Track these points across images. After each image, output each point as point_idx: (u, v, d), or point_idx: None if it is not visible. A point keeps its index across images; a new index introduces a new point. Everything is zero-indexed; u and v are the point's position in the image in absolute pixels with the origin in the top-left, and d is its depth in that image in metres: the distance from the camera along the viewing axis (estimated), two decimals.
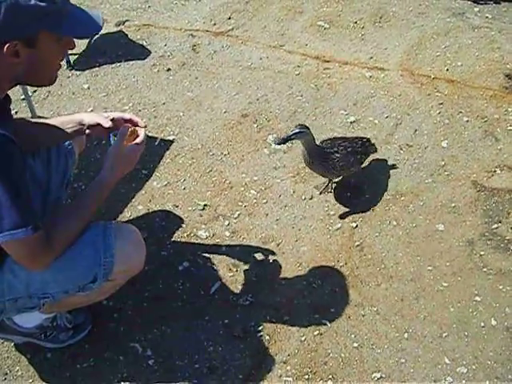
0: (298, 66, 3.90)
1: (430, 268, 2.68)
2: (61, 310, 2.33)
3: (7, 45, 1.65)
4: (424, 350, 2.38)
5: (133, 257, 2.10)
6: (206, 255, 2.77)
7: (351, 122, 3.44)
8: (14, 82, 1.84)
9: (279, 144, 2.64)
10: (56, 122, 2.21)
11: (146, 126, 2.17)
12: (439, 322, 2.47)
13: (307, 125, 2.71)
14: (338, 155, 2.79)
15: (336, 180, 3.03)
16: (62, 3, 1.74)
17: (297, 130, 2.64)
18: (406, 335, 2.43)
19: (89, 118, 2.19)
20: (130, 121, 2.17)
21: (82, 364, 2.37)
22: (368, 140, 3.02)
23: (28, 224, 1.72)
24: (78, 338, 2.41)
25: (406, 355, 2.37)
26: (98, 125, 2.15)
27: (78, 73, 3.95)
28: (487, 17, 4.31)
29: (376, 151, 3.06)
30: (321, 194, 2.99)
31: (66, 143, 2.36)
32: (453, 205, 2.95)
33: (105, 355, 2.39)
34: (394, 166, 3.16)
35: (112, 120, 2.15)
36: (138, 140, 2.09)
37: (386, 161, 3.18)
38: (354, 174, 2.99)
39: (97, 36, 4.23)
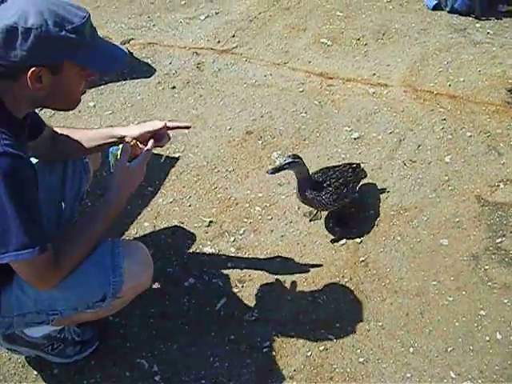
0: (302, 83, 3.93)
1: (434, 283, 2.68)
2: (70, 324, 2.34)
3: (32, 69, 1.68)
4: (430, 365, 2.38)
5: (141, 275, 2.12)
6: (212, 271, 2.77)
7: (355, 139, 3.46)
8: (34, 105, 1.88)
9: (272, 173, 2.63)
10: (84, 137, 2.26)
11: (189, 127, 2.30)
12: (444, 336, 2.48)
13: (300, 154, 2.72)
14: (330, 189, 2.77)
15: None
16: (91, 37, 1.79)
17: (289, 160, 2.63)
18: (411, 350, 2.43)
19: (133, 132, 2.24)
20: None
21: (89, 380, 2.37)
22: (358, 165, 3.00)
23: (35, 245, 1.74)
24: (85, 353, 2.42)
25: (411, 370, 2.37)
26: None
27: None
28: (489, 32, 4.34)
29: (366, 176, 3.06)
30: (311, 221, 2.97)
31: (84, 161, 2.40)
32: (457, 219, 2.96)
33: (111, 371, 2.39)
34: (384, 189, 3.16)
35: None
36: (147, 147, 2.12)
37: (389, 176, 3.19)
38: (351, 201, 2.97)
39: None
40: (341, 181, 2.81)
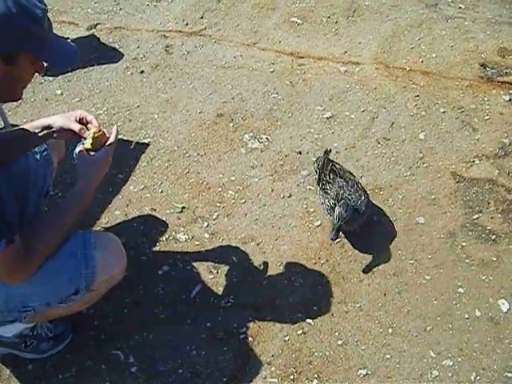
0: (273, 63, 3.88)
1: (411, 262, 2.66)
2: (42, 320, 2.29)
3: None
4: (409, 345, 2.36)
5: (114, 266, 2.08)
6: (186, 258, 2.73)
7: (327, 118, 3.42)
8: None
9: (335, 239, 2.56)
10: (27, 127, 2.16)
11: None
12: (423, 315, 2.46)
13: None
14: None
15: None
16: (48, 30, 1.75)
17: (341, 214, 2.53)
18: (390, 330, 2.41)
19: (58, 122, 2.13)
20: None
21: (64, 374, 2.32)
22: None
23: (1, 237, 1.68)
24: (58, 348, 2.37)
25: (390, 350, 2.35)
26: (66, 129, 2.11)
27: (50, 79, 3.90)
28: (460, 7, 4.31)
29: None
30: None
31: (44, 152, 2.32)
32: (432, 197, 2.94)
33: (87, 364, 2.35)
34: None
35: (81, 120, 2.11)
36: (110, 140, 2.04)
37: (363, 155, 3.16)
38: None
39: (68, 41, 4.17)
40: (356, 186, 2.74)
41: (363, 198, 2.66)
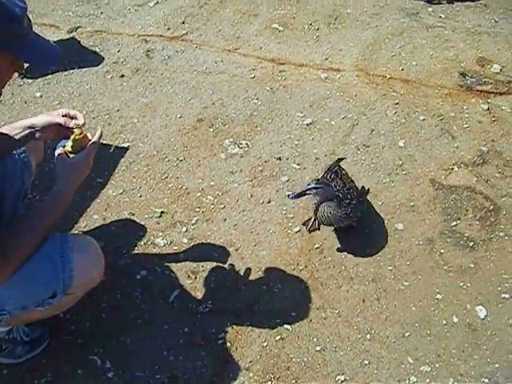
0: (253, 69, 3.88)
1: (390, 268, 2.67)
2: (18, 324, 2.27)
3: None
4: (387, 351, 2.36)
5: (92, 270, 2.07)
6: (164, 263, 2.71)
7: (308, 124, 3.42)
8: None
9: (294, 198, 2.55)
10: (5, 130, 2.14)
11: (84, 124, 2.10)
12: (401, 321, 2.46)
13: (323, 181, 2.61)
14: (354, 203, 2.67)
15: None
16: (28, 29, 1.74)
17: (312, 186, 2.54)
18: (368, 336, 2.41)
19: (40, 120, 2.11)
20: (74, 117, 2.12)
21: (40, 379, 2.30)
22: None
23: None
24: (34, 352, 2.35)
25: (369, 356, 2.35)
26: (50, 126, 2.09)
27: (30, 81, 3.88)
28: (441, 16, 4.34)
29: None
30: (310, 232, 2.83)
31: (22, 155, 2.29)
32: (411, 204, 2.95)
33: (63, 369, 2.33)
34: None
35: (64, 116, 2.10)
36: (93, 139, 2.04)
37: (343, 162, 3.15)
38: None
39: None
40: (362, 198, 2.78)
41: (353, 202, 2.65)
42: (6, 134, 2.13)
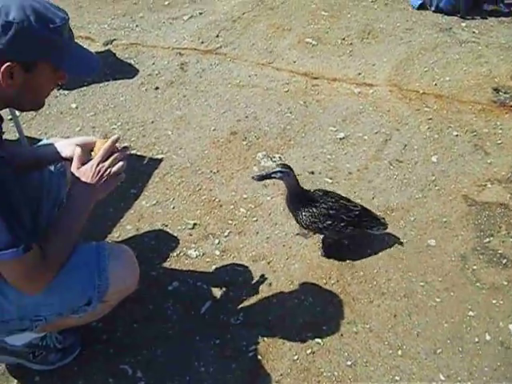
0: (287, 83, 3.90)
1: (422, 284, 2.65)
2: (52, 330, 2.28)
3: (7, 64, 1.64)
4: (418, 367, 2.34)
5: (127, 278, 2.07)
6: (196, 275, 2.72)
7: (340, 139, 3.43)
8: (3, 105, 1.81)
9: (258, 180, 2.55)
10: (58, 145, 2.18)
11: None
12: (433, 338, 2.44)
13: (289, 164, 2.58)
14: (314, 210, 2.60)
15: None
16: (69, 39, 1.77)
17: (277, 169, 2.53)
18: (399, 352, 2.39)
19: (66, 152, 2.14)
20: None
21: None
22: (368, 213, 2.76)
23: (19, 244, 1.68)
24: (67, 360, 2.35)
25: (400, 372, 2.33)
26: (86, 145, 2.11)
27: (66, 92, 3.95)
28: (474, 32, 4.33)
29: (380, 229, 2.75)
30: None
31: (58, 164, 2.33)
32: (444, 219, 2.93)
33: (94, 377, 2.33)
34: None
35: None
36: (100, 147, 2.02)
37: (375, 177, 3.17)
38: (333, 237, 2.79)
39: None
40: (333, 212, 2.62)
41: (341, 214, 2.63)
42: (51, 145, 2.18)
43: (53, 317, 2.00)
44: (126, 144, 2.07)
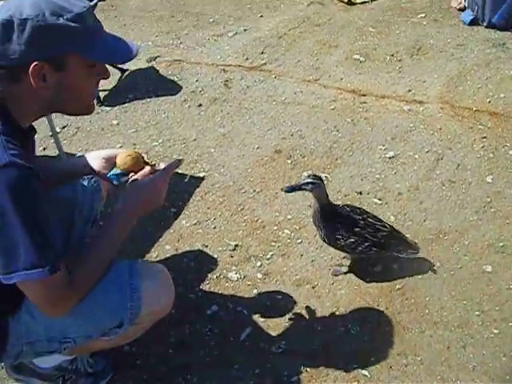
0: (334, 101, 3.80)
1: (477, 313, 2.48)
2: (82, 353, 2.20)
3: (33, 64, 1.56)
4: None
5: (161, 299, 1.97)
6: (237, 299, 2.62)
7: (390, 158, 3.30)
8: (44, 111, 1.75)
9: (287, 192, 2.44)
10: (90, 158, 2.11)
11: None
12: (490, 372, 2.26)
13: (322, 176, 2.47)
14: (348, 222, 2.50)
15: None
16: (95, 27, 1.68)
17: (309, 180, 2.40)
18: None
19: (94, 165, 2.08)
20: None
21: None
22: (398, 235, 2.63)
23: (45, 264, 1.58)
24: None
25: None
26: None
27: (107, 109, 3.95)
28: None
29: (410, 253, 2.61)
30: (336, 276, 2.69)
31: (92, 179, 2.27)
32: (501, 244, 2.76)
33: None
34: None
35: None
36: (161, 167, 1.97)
37: (427, 198, 3.03)
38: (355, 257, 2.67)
39: (127, 72, 4.22)
40: (357, 230, 2.50)
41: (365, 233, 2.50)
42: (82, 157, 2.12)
43: (82, 339, 1.91)
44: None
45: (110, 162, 2.04)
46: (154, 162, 2.01)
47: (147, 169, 1.98)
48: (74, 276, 1.71)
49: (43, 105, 1.70)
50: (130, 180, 1.95)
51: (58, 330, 1.86)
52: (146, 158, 2.01)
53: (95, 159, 2.07)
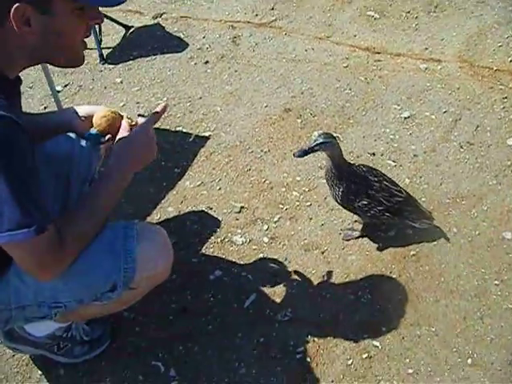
0: (347, 58, 3.65)
1: (496, 282, 2.36)
2: (75, 320, 2.12)
3: (15, 6, 1.41)
4: (491, 380, 2.05)
5: (158, 262, 1.86)
6: (242, 264, 2.53)
7: (405, 118, 3.16)
8: (31, 59, 1.61)
9: (300, 157, 2.29)
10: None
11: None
12: (508, 346, 2.15)
13: (334, 133, 2.32)
14: (364, 183, 2.37)
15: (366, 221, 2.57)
16: None
17: (320, 140, 2.25)
18: (469, 361, 2.11)
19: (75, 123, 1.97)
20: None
21: (98, 383, 2.14)
22: (413, 203, 2.50)
23: (31, 224, 1.48)
24: (94, 353, 2.20)
25: None
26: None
27: (111, 67, 3.84)
28: None
29: (424, 223, 2.49)
30: (348, 241, 2.59)
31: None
32: None
33: (123, 374, 2.16)
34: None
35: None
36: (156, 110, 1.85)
37: (444, 160, 2.90)
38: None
39: (132, 29, 4.11)
40: (372, 192, 2.38)
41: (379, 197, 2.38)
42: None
43: (73, 304, 1.82)
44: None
45: (89, 119, 1.92)
46: (134, 123, 1.88)
47: (125, 124, 1.85)
48: (63, 237, 1.60)
49: (29, 53, 1.56)
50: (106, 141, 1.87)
51: (48, 294, 1.78)
52: (126, 117, 1.88)
53: (74, 116, 1.97)
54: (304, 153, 2.28)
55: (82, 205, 1.73)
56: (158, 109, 1.84)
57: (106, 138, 1.87)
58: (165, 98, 3.45)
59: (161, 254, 1.87)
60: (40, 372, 2.19)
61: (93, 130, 1.88)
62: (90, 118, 1.92)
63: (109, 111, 1.88)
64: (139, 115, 1.90)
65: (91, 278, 1.76)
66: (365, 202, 2.37)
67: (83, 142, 2.12)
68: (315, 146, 2.25)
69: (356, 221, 2.61)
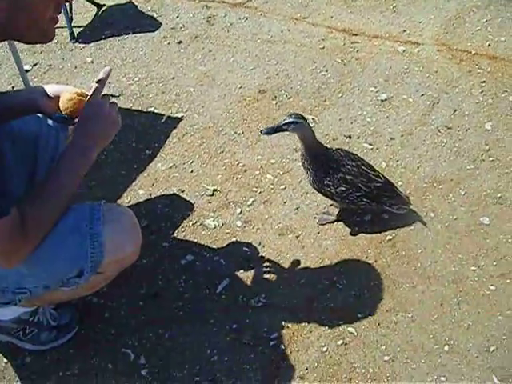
0: (323, 40, 3.60)
1: (473, 268, 2.33)
2: (42, 305, 2.06)
3: None
4: (468, 367, 2.02)
5: (126, 245, 1.81)
6: (214, 248, 2.48)
7: (382, 100, 3.12)
8: None
9: (267, 134, 2.25)
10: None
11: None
12: (486, 332, 2.12)
13: (308, 118, 2.28)
14: (342, 169, 2.33)
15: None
16: None
17: (290, 120, 2.22)
18: (446, 348, 2.08)
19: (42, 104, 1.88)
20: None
21: (66, 371, 2.09)
22: (391, 188, 2.45)
23: None
24: (61, 340, 2.15)
25: (446, 372, 2.01)
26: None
27: (81, 46, 3.77)
28: None
29: (401, 208, 2.47)
30: (323, 225, 2.54)
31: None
32: (499, 195, 2.60)
33: (92, 362, 2.11)
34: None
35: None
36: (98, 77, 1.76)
37: (421, 144, 2.86)
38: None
39: (104, 8, 4.05)
40: (350, 178, 2.33)
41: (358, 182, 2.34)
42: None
43: (38, 289, 1.77)
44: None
45: (57, 100, 1.84)
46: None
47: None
48: (25, 221, 1.53)
49: None
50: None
51: (12, 279, 1.73)
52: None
53: (41, 96, 1.88)
54: (272, 130, 2.25)
55: (42, 187, 1.65)
56: (101, 75, 1.75)
57: (74, 121, 1.80)
58: (136, 78, 3.39)
59: (129, 237, 1.82)
60: (5, 360, 2.13)
61: (60, 114, 1.81)
62: (57, 98, 1.84)
63: (75, 93, 1.80)
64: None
65: (56, 263, 1.70)
66: (343, 188, 2.32)
67: (51, 122, 2.04)
68: (283, 125, 2.23)
69: (331, 205, 2.56)
